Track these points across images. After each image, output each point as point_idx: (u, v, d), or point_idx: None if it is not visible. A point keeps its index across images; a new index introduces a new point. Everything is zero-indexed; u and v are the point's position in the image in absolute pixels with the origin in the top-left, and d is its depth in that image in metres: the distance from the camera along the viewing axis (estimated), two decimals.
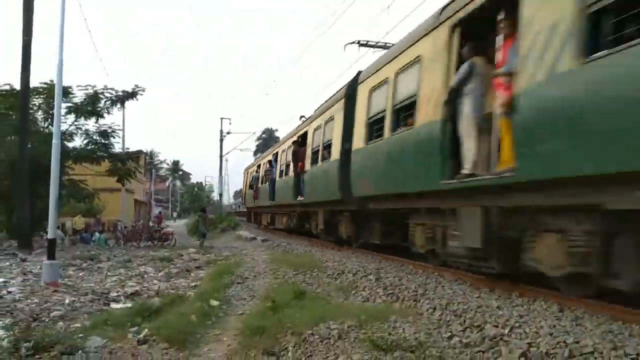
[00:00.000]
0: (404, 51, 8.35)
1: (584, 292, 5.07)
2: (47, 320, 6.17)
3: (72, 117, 19.12)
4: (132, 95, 20.11)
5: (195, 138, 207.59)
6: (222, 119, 42.59)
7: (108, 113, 19.80)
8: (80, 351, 4.69)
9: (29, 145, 16.18)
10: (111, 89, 19.65)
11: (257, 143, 79.63)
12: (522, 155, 5.11)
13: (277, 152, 20.49)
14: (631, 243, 4.39)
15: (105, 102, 19.55)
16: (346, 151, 10.77)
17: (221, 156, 43.47)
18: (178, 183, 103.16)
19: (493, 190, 5.81)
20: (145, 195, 52.50)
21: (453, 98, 6.46)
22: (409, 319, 4.74)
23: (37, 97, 18.25)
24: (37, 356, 4.53)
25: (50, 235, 9.57)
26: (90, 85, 19.21)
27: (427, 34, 7.45)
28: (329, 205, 12.72)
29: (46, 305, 6.91)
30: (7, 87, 18.01)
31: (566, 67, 4.53)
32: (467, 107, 6.28)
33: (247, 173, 30.95)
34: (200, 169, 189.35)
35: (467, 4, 6.28)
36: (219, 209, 45.88)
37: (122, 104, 20.75)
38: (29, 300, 7.22)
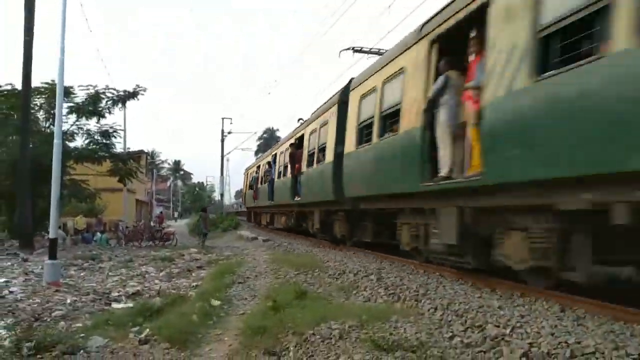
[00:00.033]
0: (390, 62, 8.94)
1: (545, 284, 5.55)
2: (48, 320, 6.18)
3: (73, 117, 19.17)
4: (133, 95, 20.13)
5: (196, 138, 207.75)
6: (223, 119, 42.64)
7: (109, 113, 19.85)
8: (81, 351, 4.71)
9: (31, 145, 16.20)
10: (112, 89, 19.71)
11: (258, 143, 79.67)
12: (488, 161, 5.69)
13: (275, 154, 21.04)
14: (584, 240, 4.89)
15: (106, 102, 19.59)
16: (339, 154, 11.30)
17: (222, 156, 43.51)
18: (179, 183, 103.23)
19: (466, 192, 6.34)
20: (147, 195, 52.55)
21: (431, 107, 7.09)
22: (410, 319, 4.73)
23: (38, 97, 18.27)
24: (38, 356, 4.55)
25: (51, 235, 9.59)
26: (91, 85, 19.27)
27: (409, 48, 8.04)
28: (324, 205, 13.26)
29: (48, 305, 6.92)
30: (9, 87, 18.04)
31: (522, 84, 5.12)
32: (442, 116, 6.87)
33: (247, 174, 31.47)
34: (201, 169, 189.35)
35: (444, 21, 6.89)
36: (220, 208, 45.92)
37: (124, 104, 20.77)
38: (31, 300, 7.24)
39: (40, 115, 19.13)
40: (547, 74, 4.82)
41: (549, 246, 5.19)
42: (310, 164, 14.41)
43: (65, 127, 17.95)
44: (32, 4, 15.02)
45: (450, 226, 6.66)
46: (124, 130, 25.32)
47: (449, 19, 6.78)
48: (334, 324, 4.53)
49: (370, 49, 14.01)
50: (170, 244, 19.75)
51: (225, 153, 44.02)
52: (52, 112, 17.36)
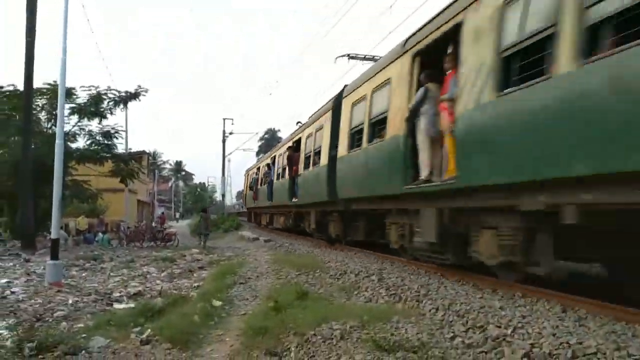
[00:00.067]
0: (378, 72, 9.54)
1: (514, 278, 6.07)
2: (50, 320, 6.19)
3: (75, 117, 19.21)
4: (134, 95, 20.16)
5: (196, 138, 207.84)
6: (224, 119, 42.79)
7: (111, 114, 19.89)
8: (83, 351, 4.72)
9: (33, 146, 16.24)
10: (114, 89, 19.74)
11: (259, 143, 79.67)
12: (460, 166, 6.31)
13: (274, 156, 21.59)
14: (546, 237, 5.40)
15: (108, 102, 19.62)
16: (333, 157, 11.85)
17: (224, 156, 43.55)
18: (181, 183, 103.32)
19: (444, 194, 6.92)
20: (148, 196, 52.56)
21: (412, 116, 7.63)
22: (412, 319, 4.73)
23: (40, 97, 18.31)
24: (40, 356, 4.56)
25: (53, 236, 9.59)
26: (93, 86, 19.30)
27: (395, 60, 8.65)
28: (320, 206, 13.76)
29: (49, 306, 6.94)
30: (11, 88, 18.08)
31: (488, 98, 5.69)
32: (422, 124, 7.43)
33: (248, 175, 32.00)
34: (201, 169, 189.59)
35: (425, 38, 7.53)
36: (221, 209, 45.94)
37: (125, 105, 20.81)
38: (33, 301, 7.25)
39: (42, 116, 19.17)
40: (507, 90, 5.37)
41: (515, 243, 5.69)
42: (306, 166, 14.89)
43: (67, 127, 17.99)
44: (34, 5, 15.07)
45: (431, 225, 7.24)
46: (126, 131, 25.38)
47: (428, 35, 7.41)
48: (335, 325, 4.53)
49: (365, 55, 14.54)
50: (171, 245, 19.77)
51: (226, 153, 44.11)
52: (54, 113, 17.37)
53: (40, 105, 18.65)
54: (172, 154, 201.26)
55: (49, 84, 17.99)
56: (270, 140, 78.40)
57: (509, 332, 4.02)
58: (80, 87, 19.15)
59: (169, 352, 4.82)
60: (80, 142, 19.97)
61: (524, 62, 5.26)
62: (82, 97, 19.13)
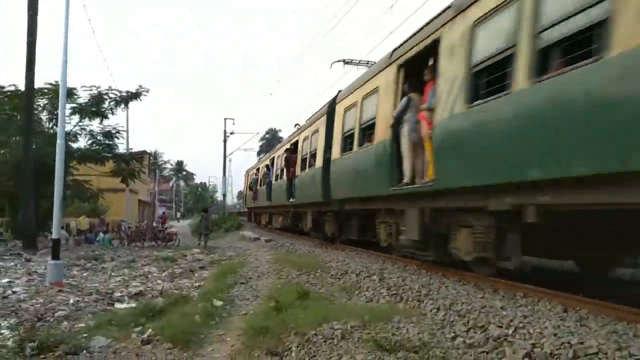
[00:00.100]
0: (368, 81, 10.13)
1: (488, 272, 6.53)
2: (51, 320, 6.20)
3: (76, 117, 19.24)
4: (136, 95, 20.18)
5: (196, 138, 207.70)
6: (225, 119, 42.74)
7: (112, 114, 19.90)
8: (84, 351, 4.72)
9: (34, 146, 16.26)
10: (115, 89, 19.76)
11: (260, 143, 79.65)
12: (437, 170, 6.90)
13: (273, 157, 22.25)
14: (515, 235, 5.89)
15: (109, 102, 19.63)
16: (327, 160, 12.47)
17: (225, 156, 43.55)
18: (182, 183, 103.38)
19: (425, 195, 7.49)
20: (149, 196, 52.59)
21: (396, 124, 8.19)
22: (413, 319, 4.73)
23: (41, 97, 18.33)
24: (41, 356, 4.56)
25: (54, 236, 9.60)
26: (94, 86, 19.32)
27: (382, 70, 9.26)
28: (316, 206, 14.37)
29: (51, 305, 6.95)
30: (12, 88, 18.10)
31: (459, 109, 6.27)
32: (405, 131, 7.99)
33: (248, 175, 32.64)
34: (201, 169, 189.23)
35: (408, 50, 8.13)
36: (222, 209, 45.94)
37: (126, 105, 20.82)
38: (34, 300, 7.26)
39: (44, 116, 19.19)
40: (476, 102, 5.96)
41: (488, 240, 6.21)
42: (303, 168, 15.48)
43: (68, 127, 18.01)
44: (35, 5, 15.07)
45: (414, 224, 7.80)
46: (127, 131, 25.40)
47: (412, 48, 8.03)
48: (336, 325, 4.53)
49: (360, 61, 15.02)
50: (172, 245, 19.78)
51: (227, 153, 44.10)
52: (55, 113, 17.40)
53: (41, 105, 18.67)
54: (172, 154, 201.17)
55: (50, 84, 18.02)
56: (271, 140, 78.37)
57: (510, 332, 4.01)
58: (82, 87, 19.19)
59: (170, 351, 4.82)
60: (82, 142, 20.03)
61: (489, 78, 5.84)
62: (83, 97, 19.19)
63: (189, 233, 29.85)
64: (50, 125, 18.95)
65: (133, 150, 27.87)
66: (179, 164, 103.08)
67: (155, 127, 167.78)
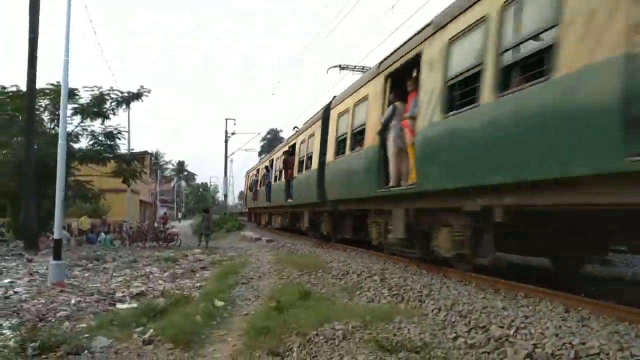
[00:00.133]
0: (359, 89, 10.69)
1: (466, 268, 7.03)
2: (53, 320, 6.21)
3: (78, 118, 19.29)
4: (137, 96, 20.21)
5: (197, 138, 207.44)
6: (227, 119, 42.72)
7: (113, 114, 19.94)
8: (86, 351, 4.74)
9: (35, 147, 16.29)
10: (116, 90, 19.79)
11: (261, 143, 79.64)
12: (419, 174, 7.46)
13: (272, 159, 22.88)
14: (488, 234, 6.37)
15: (110, 103, 19.66)
16: (322, 162, 13.01)
17: (226, 156, 43.56)
18: (183, 184, 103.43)
19: (408, 197, 8.04)
20: (151, 196, 52.67)
21: (383, 130, 8.75)
22: (414, 319, 4.73)
23: (43, 98, 18.36)
24: (43, 356, 4.57)
25: (56, 236, 9.62)
26: (96, 87, 19.36)
27: (371, 79, 9.87)
28: (312, 207, 14.98)
29: (52, 306, 6.96)
30: (14, 89, 18.14)
31: (437, 119, 6.87)
32: (391, 137, 8.51)
33: (248, 176, 33.25)
34: (202, 169, 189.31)
35: (394, 62, 8.77)
36: (224, 209, 45.96)
37: (128, 105, 20.85)
38: (36, 301, 7.27)
39: (45, 116, 19.26)
40: (450, 112, 6.55)
41: (464, 238, 6.73)
42: (300, 170, 16.05)
43: (69, 128, 18.07)
44: (36, 6, 15.10)
45: (400, 223, 8.35)
46: (128, 132, 25.43)
47: (397, 60, 8.64)
48: (337, 325, 4.53)
49: (355, 66, 15.45)
50: (174, 245, 19.80)
51: (229, 154, 44.14)
52: (56, 113, 17.43)
53: (43, 105, 18.73)
54: (173, 154, 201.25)
55: (52, 85, 18.06)
56: (272, 140, 78.32)
57: (511, 332, 4.01)
58: (83, 87, 19.22)
59: (171, 352, 4.83)
60: (83, 143, 20.08)
61: (462, 91, 6.40)
62: (84, 97, 19.22)
63: (191, 233, 29.85)
64: (52, 126, 19.01)
65: (134, 151, 27.91)
66: (181, 164, 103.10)
67: (156, 127, 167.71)
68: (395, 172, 8.43)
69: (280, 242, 16.76)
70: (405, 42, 8.37)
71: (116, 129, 20.29)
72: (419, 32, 7.82)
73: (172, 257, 13.39)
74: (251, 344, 4.76)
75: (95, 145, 19.91)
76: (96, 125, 19.88)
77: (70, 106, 17.80)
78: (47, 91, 18.22)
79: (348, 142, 10.96)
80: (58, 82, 16.19)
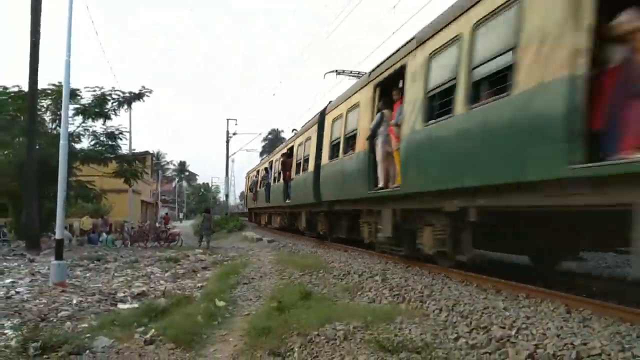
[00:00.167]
0: (351, 96, 11.37)
1: (448, 264, 7.54)
2: (54, 320, 6.21)
3: (79, 118, 19.29)
4: (138, 96, 20.22)
5: (197, 138, 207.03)
6: (228, 120, 42.70)
7: (115, 114, 19.95)
8: (87, 351, 4.74)
9: (37, 147, 16.30)
10: (118, 90, 19.81)
11: (263, 144, 79.62)
12: (403, 177, 8.07)
13: (272, 161, 23.45)
14: (467, 232, 6.87)
15: (112, 103, 19.67)
16: (318, 165, 13.65)
17: (227, 157, 43.55)
18: (184, 184, 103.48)
19: (395, 198, 8.62)
20: (152, 196, 52.73)
21: (372, 136, 9.35)
22: (415, 320, 4.73)
23: (45, 98, 18.39)
24: (45, 356, 4.58)
25: (58, 236, 9.63)
26: (97, 87, 19.37)
27: (362, 87, 10.57)
28: (309, 207, 15.63)
29: (54, 306, 6.96)
30: (16, 89, 18.17)
31: (418, 127, 7.52)
32: (379, 143, 9.13)
33: (249, 177, 33.98)
34: (203, 169, 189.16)
35: (382, 73, 9.46)
36: (225, 209, 45.99)
37: (129, 105, 20.86)
38: (37, 301, 7.28)
39: (47, 117, 19.28)
40: (430, 121, 7.18)
41: (445, 237, 7.26)
42: (297, 171, 16.62)
43: (71, 128, 18.10)
44: (38, 6, 15.12)
45: (388, 223, 8.93)
46: (130, 132, 25.47)
47: (385, 71, 9.28)
48: (338, 325, 4.53)
49: (351, 71, 15.98)
50: (175, 245, 19.81)
51: (230, 154, 44.10)
52: (58, 113, 17.44)
53: (45, 106, 18.73)
54: (174, 154, 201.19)
55: (53, 85, 18.08)
56: (274, 140, 78.20)
57: (513, 333, 4.01)
58: (85, 87, 19.24)
59: (172, 352, 4.83)
60: (85, 143, 20.09)
61: (440, 102, 7.01)
62: (86, 97, 19.24)
63: (192, 233, 29.87)
64: (54, 126, 19.02)
65: (136, 151, 27.96)
66: (182, 164, 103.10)
67: (157, 127, 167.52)
68: (384, 175, 9.02)
69: (281, 242, 16.78)
70: (393, 54, 8.99)
71: (118, 129, 20.33)
72: (404, 45, 8.45)
73: (173, 257, 13.38)
74: (252, 344, 4.76)
75: (97, 145, 19.93)
76: (98, 126, 19.93)
77: (72, 106, 17.82)
78: (49, 91, 18.24)
79: (341, 146, 11.56)
80: (60, 83, 16.23)
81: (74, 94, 17.78)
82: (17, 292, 7.91)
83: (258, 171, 28.15)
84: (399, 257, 9.31)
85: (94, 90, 19.22)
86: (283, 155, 19.59)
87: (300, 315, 5.05)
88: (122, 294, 8.15)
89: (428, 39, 7.46)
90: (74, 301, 7.30)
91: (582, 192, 4.59)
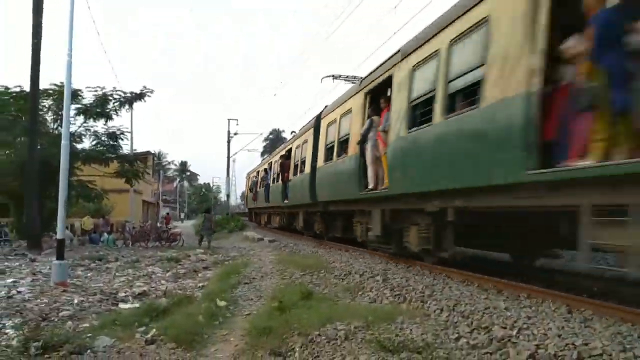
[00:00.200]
0: (344, 102, 12.00)
1: (431, 261, 8.09)
2: (56, 320, 6.22)
3: (81, 118, 19.31)
4: (140, 96, 20.24)
5: (197, 138, 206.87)
6: (229, 120, 42.70)
7: (116, 114, 19.97)
8: (88, 351, 4.74)
9: (39, 147, 16.32)
10: (119, 90, 19.83)
11: (264, 144, 79.61)
12: (390, 180, 8.70)
13: (271, 162, 24.09)
14: (448, 231, 7.36)
15: (113, 103, 19.69)
16: (314, 167, 14.27)
17: (228, 157, 43.53)
18: (186, 184, 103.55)
19: (383, 199, 9.20)
20: (153, 196, 52.76)
21: (362, 141, 9.99)
22: (416, 320, 4.73)
23: (46, 98, 18.41)
24: (46, 355, 4.58)
25: (59, 236, 9.64)
26: (99, 87, 19.39)
27: (354, 94, 11.25)
28: (306, 207, 16.23)
29: (55, 305, 6.97)
30: (17, 89, 18.19)
31: (403, 133, 8.14)
32: (369, 147, 9.78)
33: (249, 178, 34.48)
34: (204, 169, 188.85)
35: (372, 81, 10.14)
36: (226, 209, 46.01)
37: (130, 106, 20.87)
38: (38, 300, 7.29)
39: (49, 117, 19.28)
40: (412, 128, 7.81)
41: (429, 235, 7.80)
42: (295, 173, 17.24)
43: (73, 128, 18.11)
44: (40, 6, 15.14)
45: (377, 223, 9.52)
46: (131, 132, 25.48)
47: (374, 80, 9.98)
48: (339, 325, 4.53)
49: (347, 76, 16.52)
50: (176, 245, 19.82)
51: (231, 154, 44.10)
52: (60, 113, 17.48)
53: (46, 106, 18.75)
54: (175, 154, 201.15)
55: (55, 85, 18.11)
56: (275, 140, 78.22)
57: (514, 333, 4.01)
58: (86, 87, 19.29)
59: (173, 351, 4.84)
60: (86, 143, 20.10)
61: (421, 111, 7.61)
62: (87, 98, 19.26)
63: (193, 233, 29.90)
64: (55, 126, 19.04)
65: (137, 151, 27.98)
66: (183, 164, 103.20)
67: (158, 127, 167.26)
68: (374, 177, 9.63)
69: (282, 242, 16.78)
70: (381, 65, 9.65)
71: (119, 129, 20.34)
72: (391, 57, 9.05)
73: (174, 257, 13.38)
74: (253, 344, 4.76)
75: (98, 145, 19.94)
76: (99, 126, 19.95)
77: (73, 106, 17.85)
78: (51, 92, 18.27)
79: (335, 149, 12.20)
80: (61, 83, 16.25)
81: (75, 94, 17.80)
82: (19, 292, 7.91)
83: (258, 172, 28.65)
84: (388, 255, 9.80)
85: (96, 91, 19.27)
86: (281, 156, 20.22)
87: (301, 315, 5.05)
88: (123, 294, 8.16)
89: (412, 52, 8.08)
90: (75, 301, 7.30)
91: (540, 195, 5.17)
